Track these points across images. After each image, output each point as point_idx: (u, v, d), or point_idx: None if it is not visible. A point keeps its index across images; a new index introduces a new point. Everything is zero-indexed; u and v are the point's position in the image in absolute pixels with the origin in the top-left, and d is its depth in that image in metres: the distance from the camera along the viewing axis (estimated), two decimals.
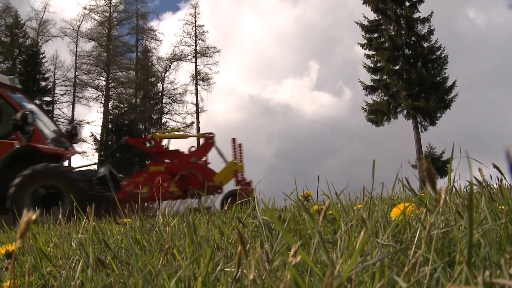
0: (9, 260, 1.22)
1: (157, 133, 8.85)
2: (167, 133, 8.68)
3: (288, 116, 56.40)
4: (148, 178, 8.03)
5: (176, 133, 8.82)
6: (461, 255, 0.97)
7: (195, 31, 45.29)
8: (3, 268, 1.62)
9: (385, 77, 30.85)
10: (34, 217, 0.64)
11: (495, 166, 1.80)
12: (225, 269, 1.13)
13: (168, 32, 74.85)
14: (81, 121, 43.03)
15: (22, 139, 7.64)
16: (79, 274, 1.25)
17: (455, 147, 1.56)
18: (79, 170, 8.51)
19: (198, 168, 8.24)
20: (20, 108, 7.99)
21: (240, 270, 0.92)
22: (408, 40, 30.60)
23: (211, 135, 8.65)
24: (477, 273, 0.75)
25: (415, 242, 1.02)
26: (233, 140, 8.71)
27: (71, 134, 8.69)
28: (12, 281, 1.09)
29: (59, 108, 43.21)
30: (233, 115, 57.16)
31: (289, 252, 0.80)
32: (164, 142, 8.88)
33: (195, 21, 45.56)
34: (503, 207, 1.38)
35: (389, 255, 0.97)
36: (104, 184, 8.23)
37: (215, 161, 8.83)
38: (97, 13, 44.67)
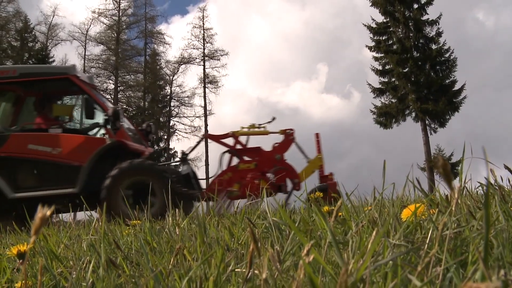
0: (20, 261, 1.23)
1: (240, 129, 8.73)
2: (247, 130, 8.54)
3: (297, 119, 56.29)
4: (238, 175, 8.01)
5: (257, 129, 8.67)
6: (474, 254, 0.97)
7: (203, 34, 45.38)
8: (15, 269, 1.63)
9: (393, 79, 30.79)
10: (48, 213, 0.64)
11: (506, 167, 1.79)
12: (236, 270, 1.13)
13: (176, 36, 75.18)
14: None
15: (113, 135, 7.66)
16: (90, 275, 1.25)
17: (465, 148, 1.55)
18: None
19: (284, 165, 8.17)
20: (105, 106, 7.94)
21: (251, 269, 0.92)
22: (416, 43, 30.52)
23: (291, 132, 8.57)
24: (492, 272, 0.75)
25: (427, 242, 1.01)
26: (317, 135, 8.64)
27: (146, 132, 8.62)
28: (24, 281, 1.09)
29: None
30: (241, 118, 57.16)
31: (300, 253, 0.79)
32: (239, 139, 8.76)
33: (203, 24, 45.66)
34: None
35: (401, 255, 0.97)
36: (188, 182, 8.20)
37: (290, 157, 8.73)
38: (106, 17, 44.88)
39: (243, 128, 8.56)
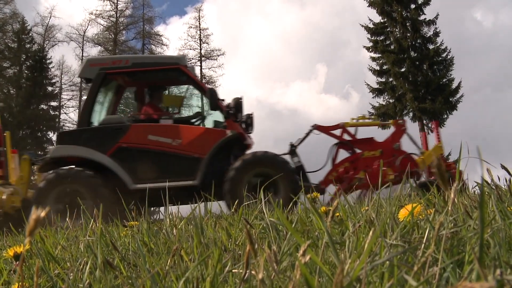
0: (17, 262, 1.23)
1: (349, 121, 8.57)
2: (357, 121, 8.40)
3: (296, 119, 56.32)
4: (363, 163, 7.82)
5: (367, 120, 8.53)
6: (471, 254, 0.97)
7: (199, 34, 45.37)
8: (12, 271, 1.62)
9: (391, 79, 30.81)
10: (43, 214, 0.64)
11: (503, 167, 1.79)
12: (233, 270, 1.12)
13: (175, 36, 75.09)
14: None
15: (234, 127, 7.56)
16: (87, 276, 1.25)
17: (462, 148, 1.55)
18: None
19: (402, 154, 8.04)
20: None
21: (248, 270, 0.92)
22: (413, 43, 30.56)
23: (403, 122, 8.40)
24: (488, 272, 0.75)
25: (423, 242, 1.02)
26: (436, 123, 8.50)
27: (246, 124, 8.35)
28: (20, 283, 1.09)
29: (65, 113, 43.37)
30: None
31: (297, 253, 0.79)
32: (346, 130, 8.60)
33: (199, 25, 45.62)
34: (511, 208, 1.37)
35: (398, 255, 0.97)
36: (303, 174, 7.99)
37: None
38: (103, 18, 44.85)
39: (353, 119, 8.40)
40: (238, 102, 7.68)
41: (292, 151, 8.12)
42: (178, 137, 7.46)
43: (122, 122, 7.71)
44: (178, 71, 7.89)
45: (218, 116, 7.99)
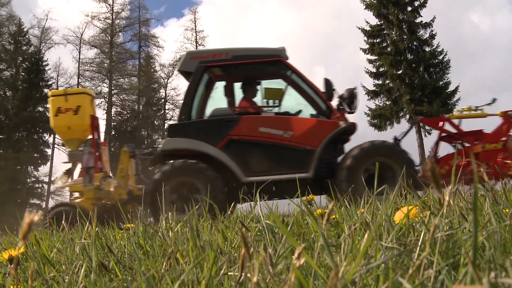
0: (12, 265, 1.22)
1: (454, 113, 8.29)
2: (462, 113, 8.12)
3: None
4: (485, 156, 7.35)
5: (473, 112, 8.26)
6: (465, 257, 0.97)
7: (195, 36, 45.41)
8: (6, 274, 1.62)
9: (387, 81, 30.88)
10: (36, 218, 0.63)
11: (499, 169, 1.80)
12: (229, 273, 1.12)
13: (172, 38, 75.09)
14: None
15: (346, 118, 7.43)
16: (82, 279, 1.25)
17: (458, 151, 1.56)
18: None
19: None
20: (317, 88, 7.68)
21: (243, 273, 0.92)
22: (410, 45, 30.66)
23: None
24: (482, 274, 0.75)
25: (419, 245, 1.02)
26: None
27: (349, 102, 7.87)
28: (15, 286, 1.08)
29: None
30: None
31: (292, 256, 0.79)
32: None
33: (195, 27, 45.70)
34: (507, 210, 1.38)
35: (393, 257, 0.97)
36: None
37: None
38: (99, 20, 44.84)
39: (458, 111, 8.15)
40: (352, 93, 7.49)
41: (396, 144, 7.80)
42: (289, 129, 7.33)
43: (232, 114, 7.61)
44: (279, 63, 7.80)
45: (310, 109, 7.88)
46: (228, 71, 8.30)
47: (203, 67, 7.74)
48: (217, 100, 8.62)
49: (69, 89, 8.24)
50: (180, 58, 8.15)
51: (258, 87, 8.44)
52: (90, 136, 8.46)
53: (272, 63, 7.90)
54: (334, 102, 7.61)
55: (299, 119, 7.55)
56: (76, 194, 8.32)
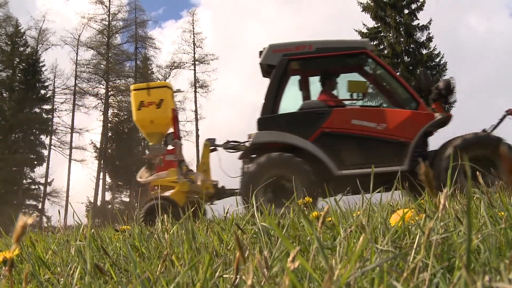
0: (6, 268, 1.22)
1: None
2: None
3: None
4: None
5: None
6: (460, 260, 0.97)
7: (193, 38, 45.40)
8: (1, 276, 1.61)
9: (384, 83, 30.92)
10: (29, 221, 0.63)
11: (495, 171, 1.80)
12: (224, 276, 1.12)
13: (170, 40, 75.01)
14: (80, 129, 43.14)
15: (442, 109, 7.27)
16: (77, 281, 1.24)
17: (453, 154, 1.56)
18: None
19: None
20: (402, 81, 7.59)
21: (238, 276, 0.92)
22: (407, 47, 30.72)
23: None
24: (477, 278, 0.75)
25: (414, 248, 1.02)
26: None
27: (444, 93, 7.52)
28: None
29: (58, 116, 43.25)
30: (235, 124, 57.13)
31: (288, 258, 0.79)
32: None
33: (193, 29, 45.68)
34: (502, 213, 1.38)
35: (388, 261, 0.97)
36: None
37: None
38: (96, 21, 44.80)
39: None
40: (448, 84, 7.30)
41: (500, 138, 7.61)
42: (383, 121, 7.19)
43: (323, 107, 7.48)
44: (364, 55, 7.72)
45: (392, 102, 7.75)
46: (309, 64, 8.15)
47: (286, 59, 7.63)
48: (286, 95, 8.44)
49: (152, 82, 8.05)
50: (261, 51, 8.00)
51: (338, 80, 8.28)
52: (171, 130, 8.38)
53: (356, 55, 7.80)
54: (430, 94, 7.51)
55: (393, 111, 7.39)
56: (157, 189, 8.16)
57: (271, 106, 7.64)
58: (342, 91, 8.25)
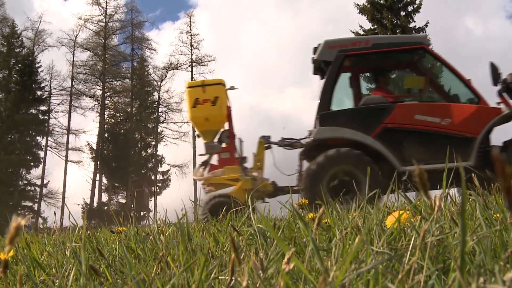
0: (0, 269, 1.21)
1: None
2: None
3: (289, 126, 56.41)
4: None
5: None
6: (455, 262, 0.97)
7: (191, 39, 45.38)
8: None
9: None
10: (23, 222, 0.63)
11: (490, 173, 1.80)
12: (219, 277, 1.12)
13: (167, 42, 75.04)
14: (77, 130, 43.07)
15: (510, 104, 7.06)
16: (72, 283, 1.24)
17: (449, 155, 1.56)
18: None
19: None
20: (462, 76, 7.42)
21: (234, 277, 0.92)
22: None
23: None
24: (471, 279, 0.75)
25: (409, 249, 1.02)
26: None
27: (511, 87, 7.29)
28: None
29: (55, 118, 43.17)
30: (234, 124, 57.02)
31: (283, 260, 0.79)
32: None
33: (191, 30, 45.67)
34: (498, 215, 1.38)
35: (383, 262, 0.97)
36: None
37: None
38: (93, 23, 44.75)
39: None
40: None
41: None
42: (447, 116, 7.08)
43: (385, 102, 7.38)
44: (422, 51, 7.60)
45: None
46: (364, 60, 8.10)
47: (343, 55, 7.53)
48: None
49: (207, 79, 7.87)
50: (316, 47, 7.93)
51: (391, 76, 8.18)
52: (225, 127, 8.26)
53: (414, 50, 7.70)
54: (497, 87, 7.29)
55: (457, 106, 7.27)
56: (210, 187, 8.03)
57: (328, 102, 7.55)
58: (394, 87, 8.23)
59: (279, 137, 8.23)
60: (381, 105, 7.33)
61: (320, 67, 8.10)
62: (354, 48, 7.61)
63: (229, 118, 8.24)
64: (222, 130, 8.22)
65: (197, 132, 8.38)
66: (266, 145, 8.28)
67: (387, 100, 7.52)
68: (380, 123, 7.17)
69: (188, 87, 8.20)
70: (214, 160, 8.15)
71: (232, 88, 8.45)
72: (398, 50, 7.72)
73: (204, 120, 7.98)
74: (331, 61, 7.63)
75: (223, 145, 8.11)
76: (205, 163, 8.18)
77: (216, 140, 8.13)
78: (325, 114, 7.54)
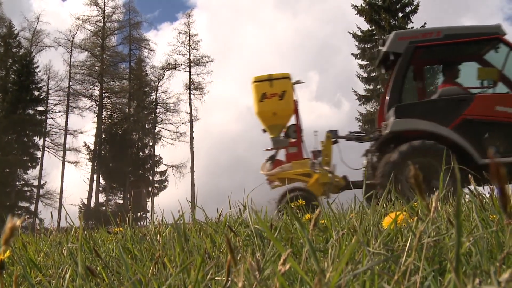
0: None
1: None
2: None
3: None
4: None
5: None
6: (451, 263, 0.97)
7: (189, 40, 45.35)
8: None
9: (378, 86, 31.01)
10: (18, 223, 0.63)
11: (487, 175, 1.80)
12: (216, 278, 1.12)
13: (165, 42, 75.01)
14: (74, 131, 43.03)
15: None
16: (68, 283, 1.24)
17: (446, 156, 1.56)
18: None
19: None
20: None
21: (230, 278, 0.92)
22: None
23: None
24: (467, 280, 0.75)
25: (406, 250, 1.02)
26: None
27: None
28: None
29: (52, 118, 43.12)
30: (230, 126, 57.15)
31: (280, 261, 0.79)
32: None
33: (189, 30, 45.64)
34: (494, 216, 1.38)
35: (379, 263, 0.97)
36: None
37: None
38: (90, 23, 44.69)
39: None
40: None
41: None
42: None
43: (463, 94, 7.27)
44: (496, 41, 7.43)
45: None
46: (433, 52, 7.90)
47: (413, 47, 7.41)
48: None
49: (274, 74, 7.79)
50: (385, 39, 7.84)
51: (460, 68, 8.03)
52: (291, 122, 8.18)
53: (489, 41, 7.51)
54: None
55: None
56: (277, 182, 7.90)
57: (399, 94, 7.45)
58: (462, 80, 7.99)
59: (347, 131, 8.15)
60: (459, 96, 7.19)
61: (386, 60, 7.95)
62: (425, 39, 7.46)
63: (296, 112, 8.14)
64: (288, 124, 8.12)
65: (262, 127, 8.23)
66: (334, 139, 8.17)
67: (465, 91, 7.38)
68: (458, 114, 7.02)
69: (255, 81, 8.06)
70: (281, 155, 8.09)
71: (298, 82, 8.37)
72: (471, 41, 7.53)
73: (272, 115, 7.89)
74: (400, 52, 7.48)
75: (290, 139, 8.01)
76: (272, 158, 8.10)
77: (282, 134, 8.04)
78: (401, 106, 7.38)
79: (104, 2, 45.16)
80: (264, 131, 8.20)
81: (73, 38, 44.35)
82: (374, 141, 7.89)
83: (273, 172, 7.78)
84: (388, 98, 7.56)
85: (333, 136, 8.16)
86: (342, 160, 8.15)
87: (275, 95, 7.86)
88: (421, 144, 6.82)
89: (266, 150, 8.18)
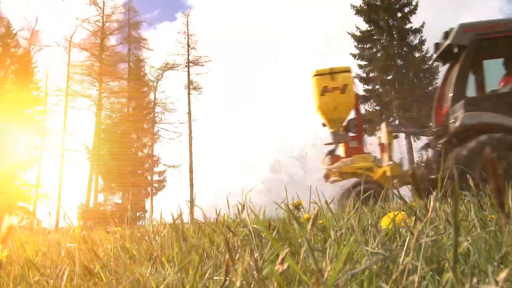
0: None
1: None
2: None
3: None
4: None
5: None
6: (449, 263, 0.97)
7: (187, 40, 45.27)
8: None
9: (377, 87, 31.02)
10: (16, 222, 0.63)
11: (484, 175, 1.80)
12: (214, 277, 1.12)
13: (165, 42, 74.95)
14: (73, 131, 42.98)
15: None
16: (66, 283, 1.24)
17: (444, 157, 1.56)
18: None
19: None
20: None
21: (228, 278, 0.92)
22: (400, 51, 30.83)
23: None
24: (465, 280, 0.75)
25: (404, 250, 1.02)
26: None
27: None
28: None
29: (51, 118, 43.03)
30: (229, 126, 57.19)
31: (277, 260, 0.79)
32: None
33: (188, 30, 45.54)
34: (492, 216, 1.38)
35: (377, 263, 0.97)
36: None
37: None
38: (90, 23, 44.61)
39: None
40: None
41: None
42: None
43: None
44: None
45: None
46: (497, 45, 7.61)
47: (479, 39, 7.23)
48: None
49: (335, 67, 7.63)
50: (448, 31, 7.66)
51: None
52: (351, 116, 8.08)
53: None
54: None
55: None
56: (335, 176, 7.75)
57: (464, 87, 7.29)
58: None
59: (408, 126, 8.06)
60: None
61: (448, 53, 7.77)
62: (492, 31, 7.28)
63: (356, 106, 8.03)
64: (348, 118, 8.01)
65: (322, 121, 8.11)
66: (395, 134, 8.03)
67: None
68: None
69: (316, 74, 7.89)
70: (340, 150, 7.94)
71: (359, 76, 8.35)
72: None
73: (333, 109, 7.76)
74: (465, 45, 7.32)
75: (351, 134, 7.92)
76: (331, 152, 7.99)
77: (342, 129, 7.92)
78: (472, 99, 7.21)
79: (104, 2, 45.08)
80: (324, 125, 8.03)
81: (70, 38, 44.28)
82: (436, 136, 7.64)
83: (334, 166, 7.64)
84: (453, 91, 7.35)
85: (394, 130, 8.03)
86: (401, 155, 8.03)
87: (336, 89, 7.72)
88: (501, 137, 6.63)
89: (326, 144, 8.04)
